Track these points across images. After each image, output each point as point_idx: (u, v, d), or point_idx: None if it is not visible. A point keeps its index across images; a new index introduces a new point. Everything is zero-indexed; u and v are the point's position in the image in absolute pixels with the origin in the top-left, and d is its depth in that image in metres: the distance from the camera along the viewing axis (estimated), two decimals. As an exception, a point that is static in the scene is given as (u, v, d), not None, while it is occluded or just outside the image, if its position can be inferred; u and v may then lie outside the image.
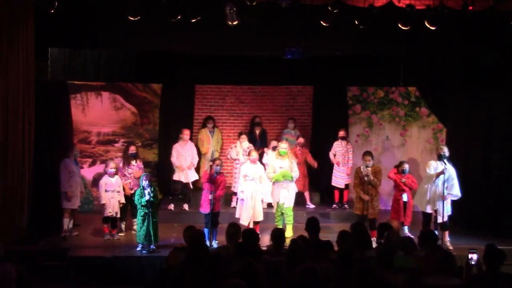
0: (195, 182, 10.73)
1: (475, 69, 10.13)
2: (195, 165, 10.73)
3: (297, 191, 9.75)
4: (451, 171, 8.76)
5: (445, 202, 8.66)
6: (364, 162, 9.07)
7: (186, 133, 10.61)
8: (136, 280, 7.83)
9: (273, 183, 9.33)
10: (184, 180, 10.56)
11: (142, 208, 8.45)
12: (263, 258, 5.52)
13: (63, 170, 9.21)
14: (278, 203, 9.35)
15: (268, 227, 9.31)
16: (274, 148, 10.63)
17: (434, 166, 8.87)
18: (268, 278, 4.65)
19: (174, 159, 10.57)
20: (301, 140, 11.10)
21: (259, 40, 9.03)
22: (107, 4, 8.54)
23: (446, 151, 8.88)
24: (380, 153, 11.96)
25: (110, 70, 10.92)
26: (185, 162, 10.52)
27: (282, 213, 9.38)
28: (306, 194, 11.14)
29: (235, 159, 10.84)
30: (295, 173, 9.39)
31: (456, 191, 8.81)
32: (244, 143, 10.77)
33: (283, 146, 9.44)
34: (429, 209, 8.89)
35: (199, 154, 11.05)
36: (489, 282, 5.12)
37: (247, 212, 9.14)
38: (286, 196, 9.33)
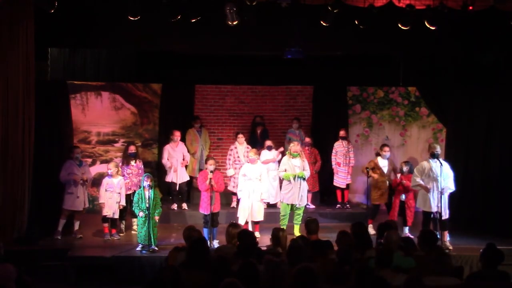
0: (190, 182, 10.74)
1: (475, 69, 10.12)
2: (188, 162, 10.76)
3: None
4: (445, 167, 8.74)
5: (443, 196, 8.66)
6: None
7: (177, 135, 10.63)
8: (136, 280, 7.83)
9: (284, 183, 9.32)
10: (175, 181, 10.61)
11: (143, 210, 8.44)
12: (264, 258, 5.51)
13: (63, 172, 9.21)
14: (288, 204, 9.30)
15: (268, 227, 9.31)
16: (270, 148, 10.64)
17: (424, 167, 8.82)
18: (268, 278, 4.65)
19: (165, 160, 10.61)
20: (308, 139, 11.08)
21: (259, 40, 9.01)
22: (107, 4, 8.53)
23: (438, 149, 8.90)
24: (380, 153, 11.95)
25: (110, 70, 10.88)
26: (176, 163, 10.55)
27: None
28: (309, 194, 11.13)
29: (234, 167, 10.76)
30: (307, 172, 9.44)
31: (451, 184, 8.79)
32: (243, 144, 10.75)
33: (295, 148, 9.41)
34: (434, 208, 8.81)
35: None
36: (487, 281, 5.14)
37: (244, 211, 9.19)
38: (303, 196, 9.37)
